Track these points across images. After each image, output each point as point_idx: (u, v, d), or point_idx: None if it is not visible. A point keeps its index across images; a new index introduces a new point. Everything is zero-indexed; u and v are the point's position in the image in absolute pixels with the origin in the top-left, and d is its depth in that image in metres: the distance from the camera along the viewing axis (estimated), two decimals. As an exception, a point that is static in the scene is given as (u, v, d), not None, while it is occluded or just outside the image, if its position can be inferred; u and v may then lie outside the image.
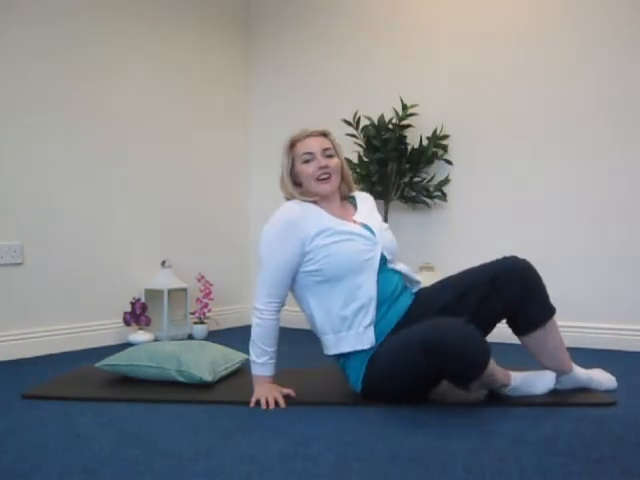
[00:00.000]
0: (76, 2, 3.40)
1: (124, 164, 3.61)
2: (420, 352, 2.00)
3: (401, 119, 3.61)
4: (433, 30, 3.72)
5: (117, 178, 3.58)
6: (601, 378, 2.32)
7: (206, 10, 4.09)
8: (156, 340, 3.49)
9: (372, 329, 2.16)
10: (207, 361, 2.47)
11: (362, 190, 3.66)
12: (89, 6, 3.46)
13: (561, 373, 2.26)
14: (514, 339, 2.31)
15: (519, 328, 2.25)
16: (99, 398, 2.31)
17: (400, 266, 2.31)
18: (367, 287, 2.17)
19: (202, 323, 3.73)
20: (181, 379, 2.43)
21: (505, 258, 2.28)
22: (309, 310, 2.25)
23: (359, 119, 3.68)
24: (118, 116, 3.58)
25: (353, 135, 3.69)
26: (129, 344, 3.29)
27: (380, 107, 3.68)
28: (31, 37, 3.21)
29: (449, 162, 3.63)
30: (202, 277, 3.77)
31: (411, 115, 3.61)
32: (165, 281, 3.65)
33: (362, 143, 3.69)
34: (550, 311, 2.24)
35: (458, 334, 1.97)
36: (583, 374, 2.29)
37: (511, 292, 2.19)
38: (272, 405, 2.13)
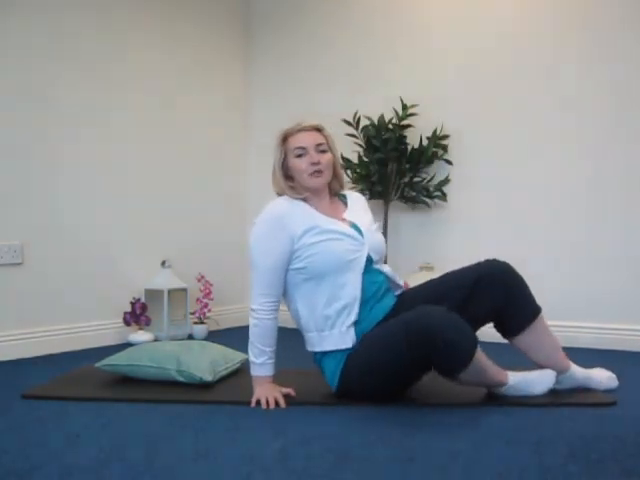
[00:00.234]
0: None
1: (124, 164, 3.61)
2: (404, 339, 2.01)
3: (401, 119, 3.61)
4: (433, 30, 3.72)
5: (117, 178, 3.57)
6: (601, 377, 2.32)
7: (206, 8, 4.08)
8: (156, 340, 3.49)
9: (353, 328, 2.17)
10: (207, 361, 2.47)
11: (362, 190, 3.68)
12: (86, 1, 3.46)
13: (558, 372, 2.25)
14: (513, 339, 2.31)
15: (507, 331, 2.26)
16: (99, 398, 2.31)
17: (386, 268, 2.32)
18: (351, 287, 2.18)
19: (202, 323, 3.73)
20: (181, 379, 2.43)
21: (487, 261, 2.30)
22: (294, 307, 2.26)
23: (359, 119, 3.68)
24: (118, 116, 3.58)
25: (353, 135, 3.69)
26: (129, 344, 3.29)
27: (380, 107, 3.68)
28: (30, 33, 3.20)
29: (449, 162, 3.63)
30: (202, 277, 3.77)
31: (411, 115, 3.61)
32: (165, 281, 3.65)
33: (362, 143, 3.69)
34: (535, 311, 2.25)
35: (443, 319, 1.99)
36: (581, 373, 2.29)
37: (494, 296, 2.20)
38: (272, 405, 2.13)
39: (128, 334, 3.50)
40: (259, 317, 2.19)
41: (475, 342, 2.02)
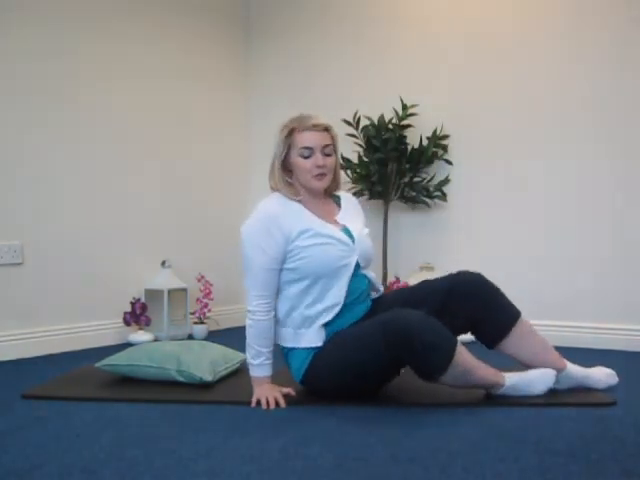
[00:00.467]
0: (71, 3, 3.40)
1: (124, 164, 3.61)
2: (382, 339, 2.02)
3: (401, 119, 3.61)
4: (433, 30, 3.71)
5: (117, 178, 3.57)
6: (600, 375, 2.31)
7: (206, 10, 4.08)
8: (156, 340, 3.49)
9: (324, 327, 2.18)
10: (207, 361, 2.47)
11: (362, 190, 3.69)
12: (85, 6, 3.46)
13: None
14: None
15: (490, 340, 2.25)
16: (99, 398, 2.31)
17: (370, 273, 2.33)
18: (336, 292, 2.18)
19: (202, 323, 3.73)
20: (181, 379, 2.43)
21: (459, 272, 2.30)
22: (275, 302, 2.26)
23: (359, 119, 3.68)
24: (118, 116, 3.58)
25: (353, 135, 3.69)
26: (129, 344, 3.29)
27: (380, 107, 3.68)
28: (32, 39, 3.20)
29: (449, 162, 3.63)
30: (202, 277, 3.77)
31: (411, 115, 3.61)
32: (165, 281, 3.65)
33: (362, 143, 3.69)
34: (515, 315, 2.24)
35: (421, 321, 2.00)
36: (578, 372, 2.28)
37: (470, 307, 2.20)
38: (272, 405, 2.13)
39: (128, 334, 3.50)
40: (255, 318, 2.19)
41: (453, 345, 2.02)
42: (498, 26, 3.54)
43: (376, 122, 3.64)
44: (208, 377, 2.41)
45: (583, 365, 2.33)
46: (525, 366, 2.25)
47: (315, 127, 2.20)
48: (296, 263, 2.17)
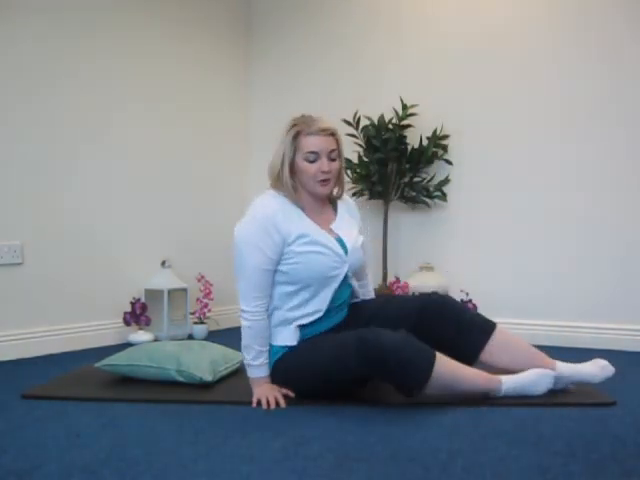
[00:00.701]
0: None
1: (124, 164, 3.61)
2: (354, 354, 2.03)
3: (401, 119, 3.61)
4: (433, 30, 3.72)
5: (117, 178, 3.57)
6: (593, 369, 2.25)
7: (206, 8, 4.08)
8: (156, 340, 3.49)
9: (299, 329, 2.21)
10: (207, 361, 2.47)
11: (362, 190, 3.69)
12: (85, 6, 3.46)
13: None
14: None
15: (468, 354, 2.23)
16: (99, 398, 2.31)
17: (354, 282, 2.35)
18: (321, 300, 2.20)
19: (202, 323, 3.73)
20: (181, 379, 2.43)
21: (429, 294, 2.36)
22: None
23: (359, 119, 3.68)
24: (117, 115, 3.58)
25: (353, 135, 3.69)
26: (129, 344, 3.29)
27: (380, 107, 3.68)
28: (31, 36, 3.20)
29: (449, 162, 3.63)
30: (202, 277, 3.77)
31: (411, 115, 3.61)
32: (165, 281, 3.65)
33: (362, 143, 3.69)
34: (488, 330, 2.24)
35: (396, 339, 2.01)
36: (568, 369, 2.25)
37: (443, 325, 2.22)
38: (273, 405, 2.13)
39: (128, 334, 3.50)
40: (254, 319, 2.18)
41: (430, 359, 2.01)
42: (498, 26, 3.54)
43: (376, 122, 3.64)
44: (208, 377, 2.41)
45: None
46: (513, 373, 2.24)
47: (322, 131, 2.17)
48: (287, 267, 2.17)
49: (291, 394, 2.21)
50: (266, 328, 2.20)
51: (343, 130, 3.66)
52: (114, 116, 3.57)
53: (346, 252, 2.24)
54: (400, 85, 3.75)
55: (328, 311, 2.23)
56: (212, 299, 3.77)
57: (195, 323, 3.73)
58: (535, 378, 2.18)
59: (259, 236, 2.14)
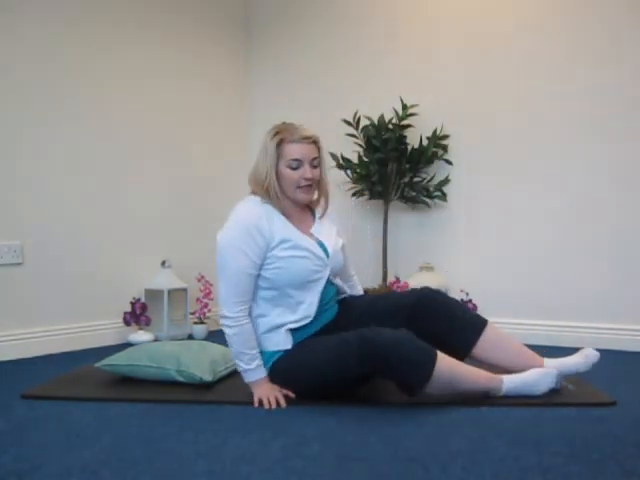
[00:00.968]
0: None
1: (124, 164, 3.61)
2: (356, 353, 2.04)
3: (401, 119, 3.61)
4: (433, 30, 3.71)
5: (117, 178, 3.57)
6: (578, 360, 2.26)
7: (205, 10, 4.08)
8: (156, 340, 3.49)
9: (291, 332, 2.21)
10: (207, 361, 2.47)
11: (362, 190, 3.69)
12: (85, 6, 3.46)
13: None
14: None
15: (460, 349, 2.24)
16: (99, 398, 2.31)
17: (337, 280, 2.36)
18: (308, 306, 2.20)
19: (202, 323, 3.73)
20: (181, 379, 2.43)
21: (420, 289, 2.35)
22: None
23: (359, 119, 3.68)
24: (118, 116, 3.58)
25: (353, 135, 3.69)
26: (129, 344, 3.29)
27: (380, 107, 3.68)
28: (32, 39, 3.20)
29: (449, 162, 3.63)
30: (202, 277, 3.77)
31: (411, 115, 3.61)
32: (165, 281, 3.65)
33: (362, 143, 3.69)
34: (479, 326, 2.26)
35: (397, 337, 2.03)
36: (555, 363, 2.26)
37: (436, 320, 2.24)
38: (274, 404, 2.14)
39: (128, 334, 3.50)
40: (239, 324, 2.17)
41: (432, 358, 2.03)
42: (498, 26, 3.54)
43: (376, 122, 3.64)
44: (208, 377, 2.41)
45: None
46: (505, 371, 2.24)
47: (305, 139, 2.19)
48: (269, 273, 2.17)
49: (291, 394, 2.21)
50: (252, 331, 2.19)
51: (343, 130, 3.67)
52: (114, 116, 3.57)
53: (327, 255, 2.26)
54: (400, 85, 3.74)
55: (316, 313, 2.23)
56: (212, 299, 3.77)
57: (195, 323, 3.73)
58: (537, 377, 2.18)
59: (243, 239, 2.14)
